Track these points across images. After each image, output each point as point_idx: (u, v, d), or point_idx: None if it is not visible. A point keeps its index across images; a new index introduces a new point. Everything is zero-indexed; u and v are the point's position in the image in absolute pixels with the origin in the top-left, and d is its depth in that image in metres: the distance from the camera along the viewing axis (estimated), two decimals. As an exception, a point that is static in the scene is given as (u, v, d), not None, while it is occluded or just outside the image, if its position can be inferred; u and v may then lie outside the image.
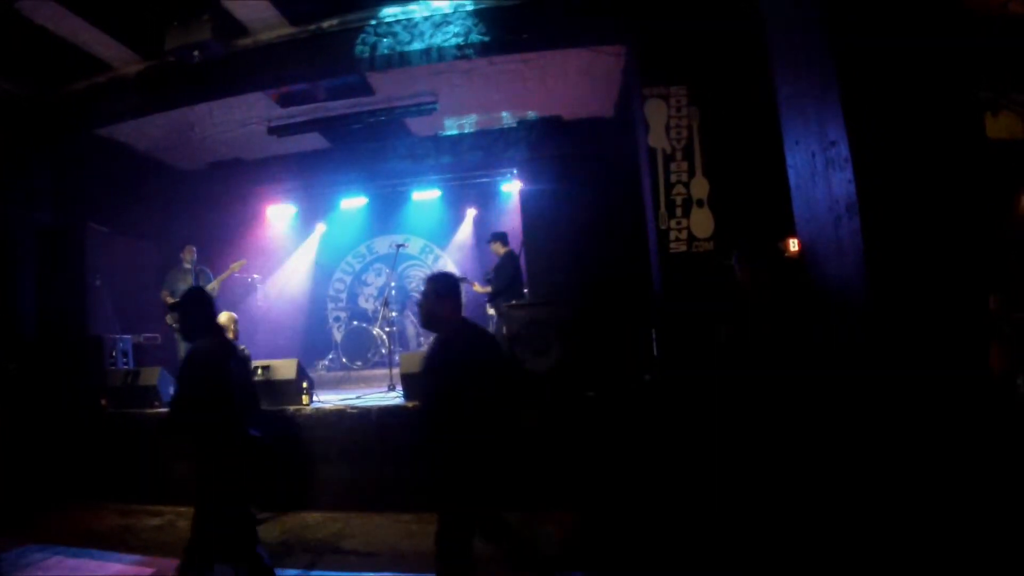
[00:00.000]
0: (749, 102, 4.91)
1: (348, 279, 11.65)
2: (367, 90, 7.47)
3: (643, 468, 5.12)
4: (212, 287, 7.70)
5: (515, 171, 9.48)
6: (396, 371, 7.00)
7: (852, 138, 2.60)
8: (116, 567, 4.53)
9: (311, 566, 4.46)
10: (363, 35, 6.13)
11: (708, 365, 4.63)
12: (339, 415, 5.88)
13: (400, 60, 6.18)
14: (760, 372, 3.92)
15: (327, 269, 11.67)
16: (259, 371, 6.06)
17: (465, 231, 11.09)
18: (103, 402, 6.51)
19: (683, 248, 5.34)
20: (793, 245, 4.72)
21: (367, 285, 11.49)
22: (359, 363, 9.74)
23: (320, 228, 11.35)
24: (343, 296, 11.60)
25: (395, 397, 6.49)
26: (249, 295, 9.74)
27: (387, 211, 11.16)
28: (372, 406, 5.89)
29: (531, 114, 8.75)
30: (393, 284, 9.49)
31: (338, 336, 10.69)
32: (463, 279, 9.07)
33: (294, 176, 9.94)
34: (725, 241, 5.23)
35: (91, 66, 6.68)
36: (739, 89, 5.20)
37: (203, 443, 3.35)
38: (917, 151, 2.54)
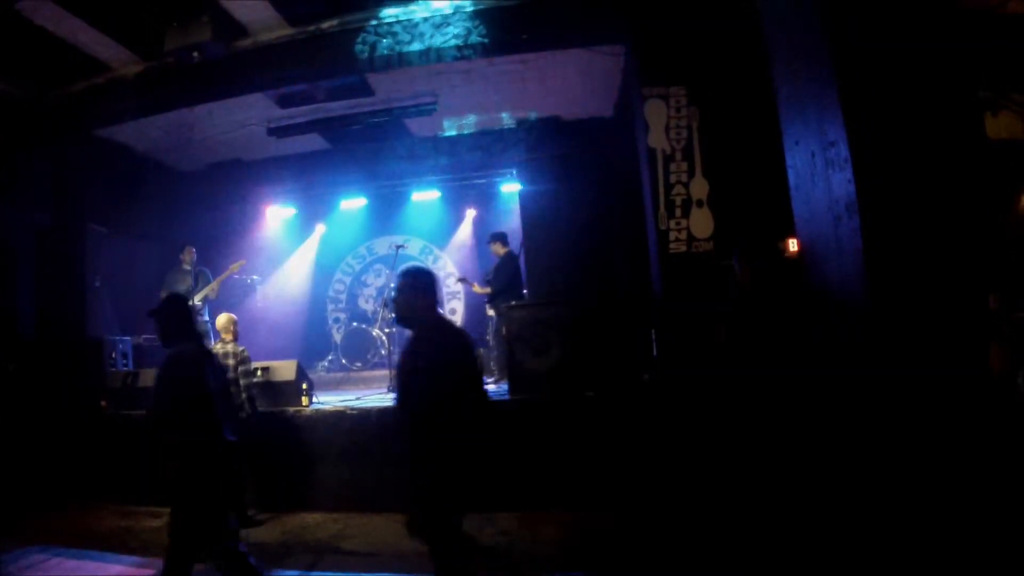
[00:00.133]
0: (748, 102, 4.90)
1: (348, 280, 11.64)
2: (367, 91, 7.47)
3: (643, 468, 5.13)
4: (212, 288, 7.70)
5: (515, 171, 9.48)
6: (395, 372, 7.01)
7: (851, 138, 2.59)
8: (116, 568, 4.53)
9: (311, 567, 4.47)
10: (362, 36, 6.14)
11: (707, 365, 4.63)
12: (339, 416, 5.88)
13: (399, 61, 6.18)
14: (759, 372, 3.92)
15: (327, 270, 11.66)
16: (259, 372, 6.05)
17: (465, 232, 11.09)
18: (103, 403, 6.51)
19: (683, 248, 5.34)
20: (792, 245, 4.72)
21: (367, 286, 11.48)
22: (359, 364, 9.74)
23: (320, 229, 11.35)
24: (343, 297, 11.59)
25: (395, 398, 6.49)
26: (248, 296, 9.73)
27: (387, 212, 11.15)
28: (372, 407, 5.90)
29: (531, 115, 8.75)
30: (393, 285, 9.47)
31: (338, 337, 10.68)
32: (463, 279, 9.19)
33: (294, 177, 9.93)
34: (725, 241, 5.23)
35: (90, 67, 6.69)
36: (738, 89, 5.20)
37: (181, 447, 3.37)
38: (917, 151, 2.54)
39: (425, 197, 10.62)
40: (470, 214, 10.96)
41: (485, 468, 3.06)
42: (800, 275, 3.39)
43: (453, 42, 5.99)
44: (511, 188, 10.08)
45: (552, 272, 7.23)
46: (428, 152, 9.43)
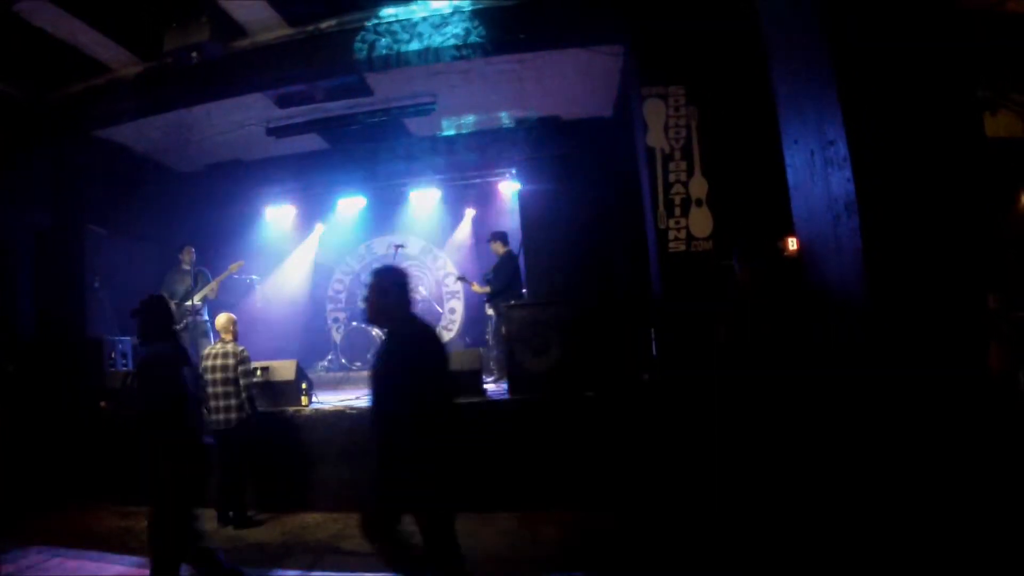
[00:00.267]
0: (747, 101, 4.90)
1: (347, 280, 11.63)
2: (365, 91, 7.47)
3: (642, 468, 5.13)
4: (211, 288, 7.70)
5: (514, 171, 9.47)
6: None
7: (851, 137, 2.59)
8: (116, 568, 4.52)
9: (311, 567, 4.46)
10: (361, 35, 6.13)
11: (707, 365, 4.63)
12: (338, 416, 5.88)
13: (398, 60, 6.18)
14: (759, 372, 3.92)
15: (326, 270, 11.65)
16: (258, 372, 6.05)
17: (464, 231, 11.08)
18: (102, 403, 6.50)
19: (682, 248, 5.34)
20: (792, 244, 4.73)
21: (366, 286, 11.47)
22: (358, 364, 9.72)
23: (319, 229, 11.33)
24: (342, 297, 11.57)
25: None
26: (248, 296, 9.72)
27: (386, 212, 11.13)
28: (371, 407, 5.89)
29: (530, 114, 8.75)
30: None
31: (337, 337, 10.67)
32: (462, 278, 9.19)
33: (293, 177, 9.93)
34: (724, 240, 5.23)
35: (89, 68, 6.69)
36: (737, 88, 5.20)
37: (158, 446, 3.39)
38: (916, 150, 2.54)
39: (424, 197, 10.61)
40: (469, 214, 10.95)
41: (467, 467, 3.06)
42: (799, 274, 3.39)
43: (452, 42, 5.99)
44: (510, 188, 10.08)
45: (552, 272, 7.23)
46: (427, 152, 9.42)
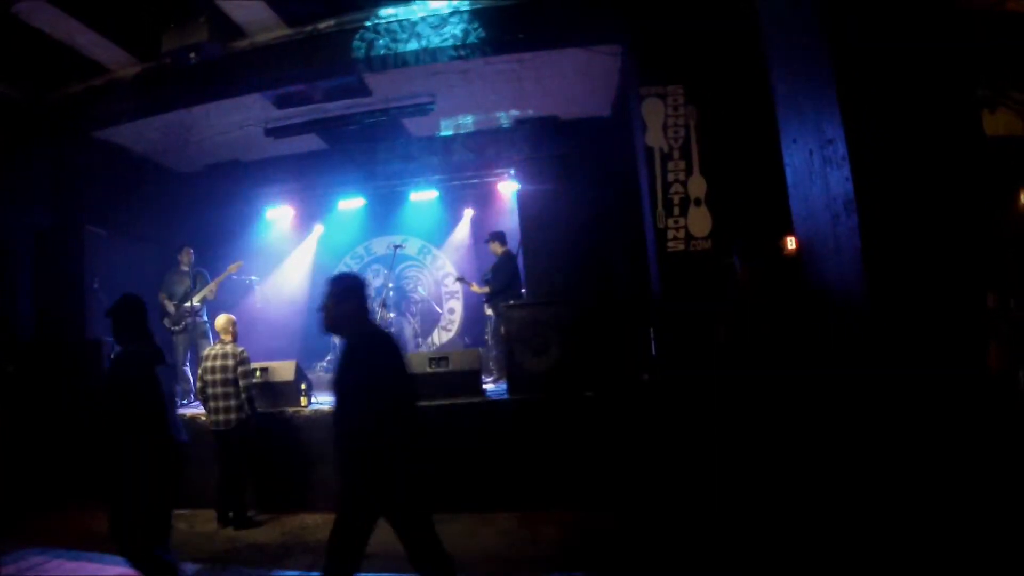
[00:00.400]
0: (746, 100, 4.91)
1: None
2: (364, 91, 7.46)
3: (642, 468, 5.13)
4: (210, 289, 7.69)
5: (512, 171, 9.46)
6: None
7: (849, 136, 2.59)
8: (115, 569, 4.49)
9: (311, 567, 4.45)
10: (360, 36, 6.13)
11: (706, 365, 4.64)
12: (338, 416, 5.86)
13: (396, 61, 6.18)
14: (758, 372, 3.93)
15: (325, 270, 11.60)
16: (258, 373, 6.05)
17: (463, 231, 11.07)
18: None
19: (681, 247, 5.34)
20: (791, 243, 4.73)
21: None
22: (358, 364, 9.69)
23: (318, 229, 11.33)
24: (342, 297, 11.54)
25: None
26: (247, 297, 9.71)
27: (385, 212, 11.13)
28: (371, 407, 5.88)
29: (528, 114, 8.75)
30: (391, 285, 9.47)
31: (336, 338, 10.65)
32: (461, 279, 9.18)
33: (292, 177, 9.93)
34: (723, 240, 5.24)
35: (88, 69, 6.69)
36: (736, 87, 5.20)
37: (131, 444, 3.40)
38: (915, 149, 2.54)
39: (423, 197, 10.60)
40: (468, 214, 10.94)
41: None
42: (798, 274, 3.39)
43: (451, 42, 5.99)
44: (509, 188, 10.08)
45: (551, 272, 7.22)
46: (426, 152, 9.43)
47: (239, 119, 8.01)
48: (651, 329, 6.11)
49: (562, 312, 5.96)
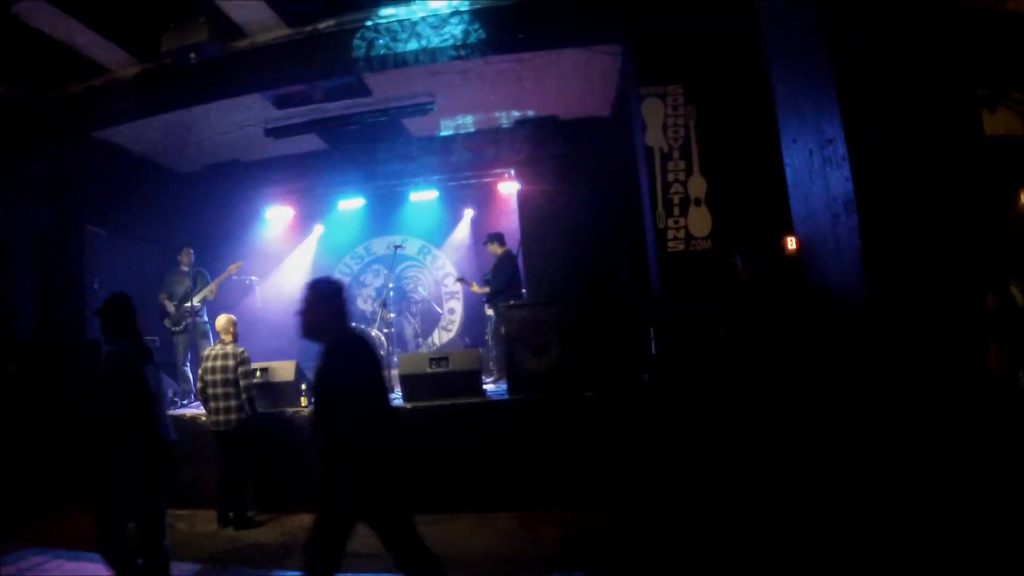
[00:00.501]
0: (746, 100, 4.91)
1: (346, 280, 11.62)
2: (364, 91, 7.46)
3: (642, 468, 5.13)
4: (210, 289, 7.70)
5: (512, 171, 9.47)
6: (395, 372, 7.00)
7: (849, 136, 2.59)
8: (115, 570, 4.52)
9: (311, 568, 4.45)
10: (360, 36, 6.13)
11: (706, 365, 4.64)
12: (338, 416, 5.86)
13: (396, 61, 6.18)
14: (758, 372, 3.93)
15: (325, 270, 11.57)
16: (258, 373, 6.05)
17: (463, 231, 11.06)
18: (102, 404, 6.50)
19: (681, 247, 5.34)
20: (791, 243, 4.73)
21: (365, 286, 11.46)
22: (358, 364, 9.69)
23: (318, 229, 11.32)
24: (341, 297, 11.53)
25: (393, 398, 6.49)
26: (247, 297, 9.71)
27: (385, 212, 11.11)
28: (371, 407, 5.88)
29: (528, 114, 8.75)
30: (391, 285, 9.46)
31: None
32: (461, 279, 9.18)
33: (292, 178, 9.92)
34: (723, 240, 5.24)
35: (88, 69, 6.68)
36: (736, 87, 5.20)
37: (120, 443, 3.40)
38: (915, 148, 2.54)
39: (423, 197, 10.59)
40: (468, 214, 10.93)
41: (466, 468, 3.06)
42: (798, 274, 3.39)
43: (451, 42, 5.99)
44: (509, 188, 10.08)
45: (551, 272, 7.24)
46: (425, 152, 9.43)
47: (239, 119, 8.00)
48: (651, 329, 6.11)
49: (562, 312, 5.96)
